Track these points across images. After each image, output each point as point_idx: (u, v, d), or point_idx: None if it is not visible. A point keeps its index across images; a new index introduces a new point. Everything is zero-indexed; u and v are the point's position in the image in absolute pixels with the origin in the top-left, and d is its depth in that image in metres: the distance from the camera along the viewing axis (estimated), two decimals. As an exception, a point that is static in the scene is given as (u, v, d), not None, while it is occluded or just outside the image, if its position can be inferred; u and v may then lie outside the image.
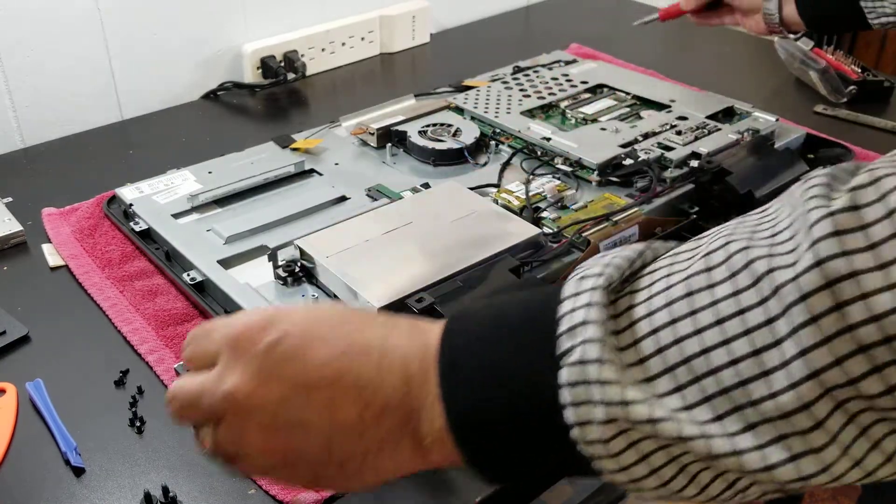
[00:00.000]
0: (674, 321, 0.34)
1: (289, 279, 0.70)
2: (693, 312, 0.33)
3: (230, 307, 0.68)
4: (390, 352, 0.39)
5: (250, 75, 1.15)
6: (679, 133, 0.89)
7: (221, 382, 0.40)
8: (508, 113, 0.95)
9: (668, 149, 0.86)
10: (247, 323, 0.40)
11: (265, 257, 0.73)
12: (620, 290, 0.36)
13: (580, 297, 0.35)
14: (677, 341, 0.33)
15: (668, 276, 0.35)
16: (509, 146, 0.91)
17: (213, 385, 0.40)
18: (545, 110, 0.98)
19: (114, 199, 0.85)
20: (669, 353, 0.34)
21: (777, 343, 0.31)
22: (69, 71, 1.01)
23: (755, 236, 0.33)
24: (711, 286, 0.33)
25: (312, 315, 0.41)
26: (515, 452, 0.36)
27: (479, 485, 0.57)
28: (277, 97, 1.13)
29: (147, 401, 0.63)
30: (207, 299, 0.71)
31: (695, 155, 0.85)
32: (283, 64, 1.15)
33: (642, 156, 0.84)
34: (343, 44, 1.22)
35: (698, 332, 0.33)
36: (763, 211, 0.35)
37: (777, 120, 0.92)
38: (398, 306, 0.63)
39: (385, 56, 1.27)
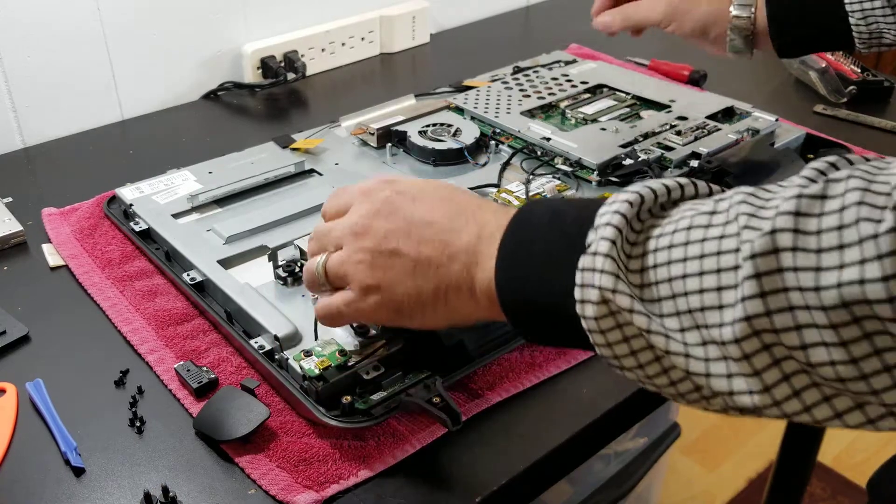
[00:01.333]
0: (671, 246, 0.41)
1: (289, 279, 0.70)
2: (687, 243, 0.40)
3: (230, 307, 0.68)
4: (477, 217, 0.51)
5: (250, 75, 1.15)
6: (679, 133, 0.89)
7: (349, 217, 0.54)
8: (508, 113, 0.95)
9: (668, 149, 0.86)
10: (379, 179, 0.55)
11: (265, 257, 0.73)
12: (655, 198, 0.44)
13: (613, 204, 0.43)
14: (669, 262, 0.41)
15: (689, 209, 0.42)
16: (509, 146, 0.91)
17: (344, 220, 0.55)
18: (545, 110, 0.98)
19: (114, 199, 0.85)
20: (660, 270, 0.41)
21: (736, 286, 0.38)
22: (69, 71, 1.01)
23: (757, 194, 0.40)
24: (708, 226, 0.40)
25: (428, 183, 0.55)
26: (542, 317, 0.46)
27: (479, 484, 0.57)
28: (277, 97, 1.13)
29: (147, 401, 0.63)
30: (207, 299, 0.71)
31: (695, 155, 0.85)
32: (283, 64, 1.15)
33: (642, 156, 0.85)
34: (343, 44, 1.22)
35: (685, 259, 0.40)
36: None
37: (777, 120, 0.92)
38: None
39: (385, 56, 1.27)
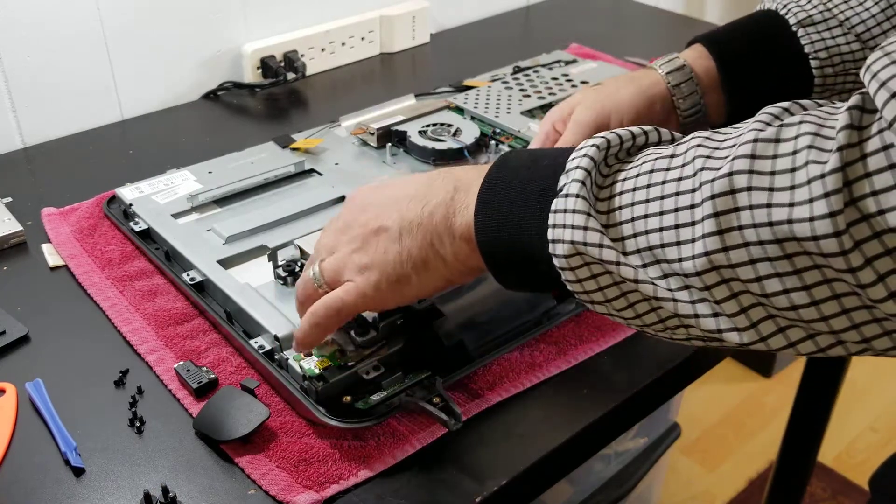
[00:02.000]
0: (634, 189, 0.44)
1: (288, 279, 0.70)
2: (649, 185, 0.43)
3: (230, 307, 0.68)
4: (454, 174, 0.54)
5: (250, 75, 1.15)
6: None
7: (336, 224, 0.58)
8: (508, 113, 0.95)
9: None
10: (352, 193, 0.59)
11: (265, 257, 0.73)
12: (621, 144, 0.46)
13: (583, 149, 0.46)
14: (632, 204, 0.44)
15: (651, 153, 0.45)
16: (509, 146, 0.91)
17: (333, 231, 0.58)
18: (545, 110, 0.98)
19: (113, 199, 0.85)
20: (624, 211, 0.44)
21: (693, 224, 0.41)
22: (69, 71, 1.01)
23: (712, 136, 0.43)
24: (669, 169, 0.43)
25: (399, 178, 0.58)
26: (515, 259, 0.49)
27: (479, 484, 0.57)
28: (277, 97, 1.13)
29: (147, 401, 0.63)
30: (207, 299, 0.71)
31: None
32: (283, 64, 1.15)
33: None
34: (343, 44, 1.22)
35: (647, 201, 0.43)
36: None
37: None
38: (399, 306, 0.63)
39: (385, 56, 1.27)
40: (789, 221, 0.37)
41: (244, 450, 0.58)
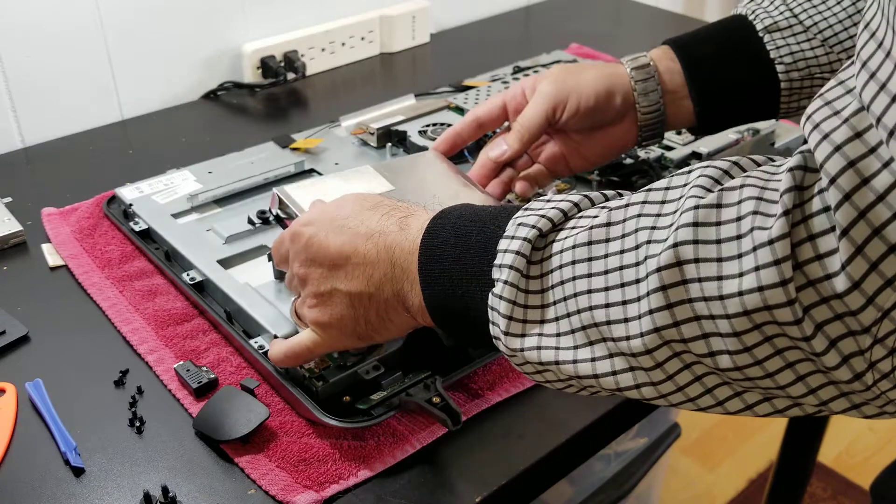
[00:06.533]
0: (574, 262, 0.43)
1: (257, 224, 0.70)
2: (590, 259, 0.42)
3: (230, 307, 0.68)
4: (383, 238, 0.53)
5: (250, 75, 1.14)
6: (679, 133, 0.89)
7: (292, 266, 0.58)
8: (508, 113, 0.95)
9: (669, 148, 0.85)
10: (297, 222, 0.58)
11: (265, 257, 0.73)
12: (553, 227, 0.45)
13: (513, 242, 0.45)
14: (574, 278, 0.42)
15: (585, 222, 0.44)
16: (509, 146, 0.91)
17: (291, 266, 0.59)
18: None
19: (113, 199, 0.85)
20: (567, 287, 0.43)
21: (639, 299, 0.39)
22: (69, 71, 1.01)
23: (649, 199, 0.41)
24: (609, 240, 0.42)
25: (331, 212, 0.56)
26: (468, 330, 0.50)
27: (479, 484, 0.57)
28: (277, 97, 1.13)
29: (147, 401, 0.63)
30: (207, 299, 0.71)
31: (695, 155, 0.85)
32: (283, 64, 1.15)
33: (642, 155, 0.84)
34: (343, 44, 1.22)
35: (589, 275, 0.42)
36: (668, 179, 0.42)
37: (777, 120, 0.92)
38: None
39: (385, 56, 1.27)
40: (740, 294, 0.35)
41: (244, 450, 0.58)
